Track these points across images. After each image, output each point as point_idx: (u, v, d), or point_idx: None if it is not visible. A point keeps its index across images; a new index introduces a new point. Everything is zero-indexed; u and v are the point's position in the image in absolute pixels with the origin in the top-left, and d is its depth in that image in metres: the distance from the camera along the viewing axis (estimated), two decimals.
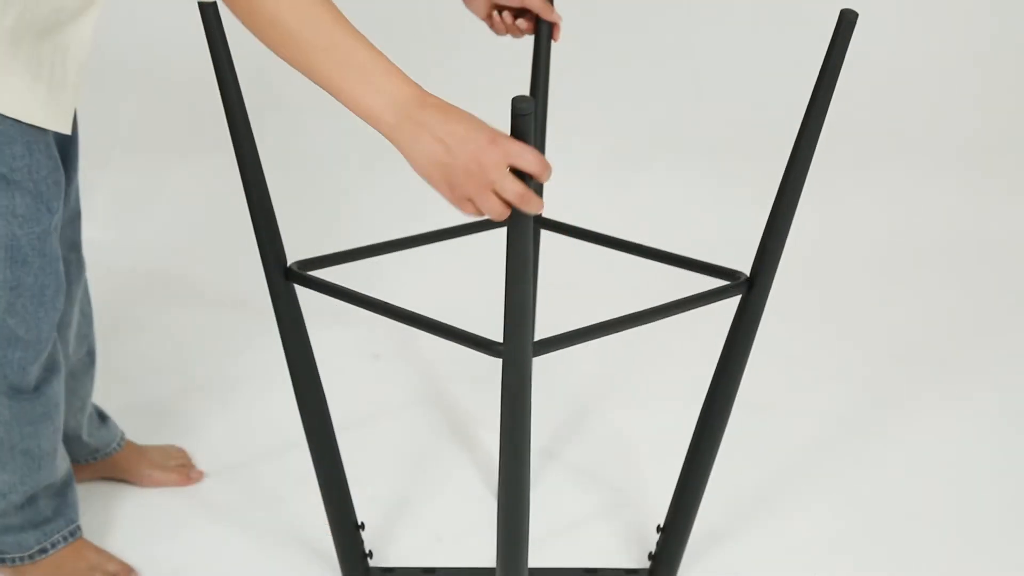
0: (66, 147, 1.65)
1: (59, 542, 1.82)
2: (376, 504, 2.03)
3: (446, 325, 1.43)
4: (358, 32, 1.26)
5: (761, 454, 2.21)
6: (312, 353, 1.66)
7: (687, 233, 3.02)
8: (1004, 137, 3.36)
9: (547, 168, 1.20)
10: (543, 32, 1.78)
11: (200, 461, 2.17)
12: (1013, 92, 3.38)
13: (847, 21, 1.49)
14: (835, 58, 1.51)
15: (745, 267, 1.66)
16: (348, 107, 1.26)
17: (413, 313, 1.47)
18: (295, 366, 1.66)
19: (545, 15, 1.74)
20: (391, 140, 1.25)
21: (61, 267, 1.61)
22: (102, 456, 2.07)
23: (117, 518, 2.02)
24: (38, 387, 1.67)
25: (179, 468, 2.12)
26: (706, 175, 3.30)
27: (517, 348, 1.38)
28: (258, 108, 3.34)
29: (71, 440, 1.99)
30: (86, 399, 1.97)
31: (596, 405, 2.37)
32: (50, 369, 1.68)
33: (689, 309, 1.58)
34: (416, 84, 1.25)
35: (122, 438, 2.09)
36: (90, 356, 1.95)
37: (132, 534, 1.97)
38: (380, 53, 1.25)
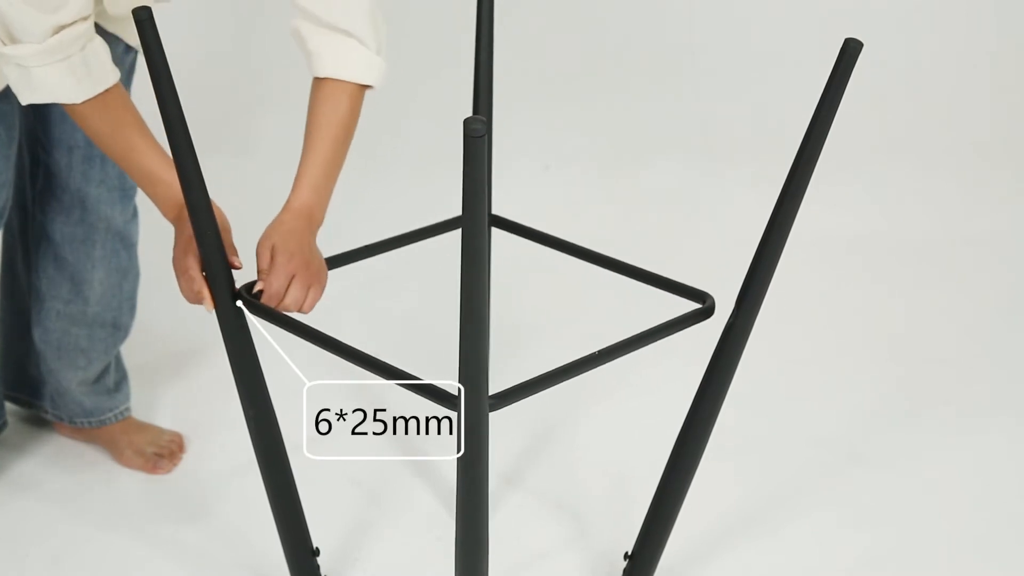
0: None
1: None
2: (333, 528, 1.97)
3: (400, 371, 1.43)
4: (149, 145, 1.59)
5: (741, 470, 2.15)
6: (262, 374, 1.63)
7: (682, 235, 3.02)
8: (1006, 137, 3.36)
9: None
10: (483, 47, 1.74)
11: (193, 453, 2.16)
12: (1013, 92, 3.37)
13: (851, 51, 1.40)
14: (835, 88, 1.43)
15: (741, 270, 1.59)
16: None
17: (366, 355, 1.46)
18: (244, 387, 1.62)
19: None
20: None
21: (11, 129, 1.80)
22: (95, 423, 2.11)
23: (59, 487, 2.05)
24: None
25: (152, 456, 2.11)
26: (705, 175, 3.28)
27: (472, 404, 1.37)
28: (253, 108, 3.38)
29: (63, 394, 2.06)
30: (91, 360, 2.04)
31: (559, 426, 2.28)
32: None
33: (652, 341, 1.53)
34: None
35: (122, 412, 2.13)
36: (115, 327, 2.05)
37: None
38: (159, 164, 1.59)
